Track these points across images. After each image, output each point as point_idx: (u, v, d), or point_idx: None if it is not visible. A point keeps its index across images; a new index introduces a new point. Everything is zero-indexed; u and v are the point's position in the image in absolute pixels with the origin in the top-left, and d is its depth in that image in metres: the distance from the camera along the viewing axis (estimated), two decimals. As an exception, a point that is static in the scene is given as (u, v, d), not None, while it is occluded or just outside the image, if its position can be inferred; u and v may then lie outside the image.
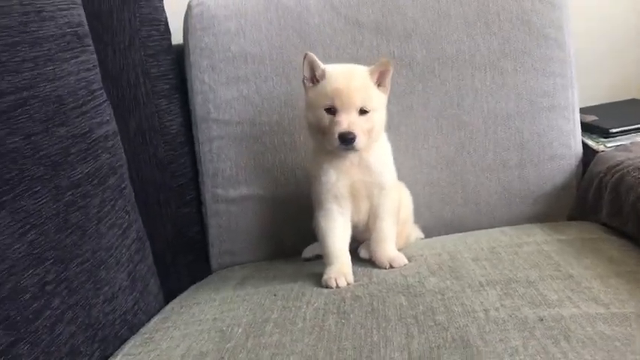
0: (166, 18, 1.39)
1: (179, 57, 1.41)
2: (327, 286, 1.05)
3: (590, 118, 1.47)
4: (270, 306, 1.01)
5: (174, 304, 1.15)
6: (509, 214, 1.34)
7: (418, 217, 1.31)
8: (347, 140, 1.04)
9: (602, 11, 1.67)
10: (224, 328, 0.95)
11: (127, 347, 0.97)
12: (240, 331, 0.93)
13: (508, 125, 1.33)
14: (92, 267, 0.94)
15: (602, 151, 1.32)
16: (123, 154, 1.12)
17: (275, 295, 1.06)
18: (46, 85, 0.90)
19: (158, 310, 1.15)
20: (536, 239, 1.14)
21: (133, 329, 1.05)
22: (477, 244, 1.16)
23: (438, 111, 1.34)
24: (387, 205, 1.14)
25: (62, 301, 0.87)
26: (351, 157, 1.12)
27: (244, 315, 0.99)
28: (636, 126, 1.38)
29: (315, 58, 1.10)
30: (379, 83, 1.11)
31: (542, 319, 0.81)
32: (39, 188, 0.86)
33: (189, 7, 1.39)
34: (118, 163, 1.08)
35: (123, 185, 1.09)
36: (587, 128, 1.42)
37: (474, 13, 1.34)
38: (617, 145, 1.33)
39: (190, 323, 1.00)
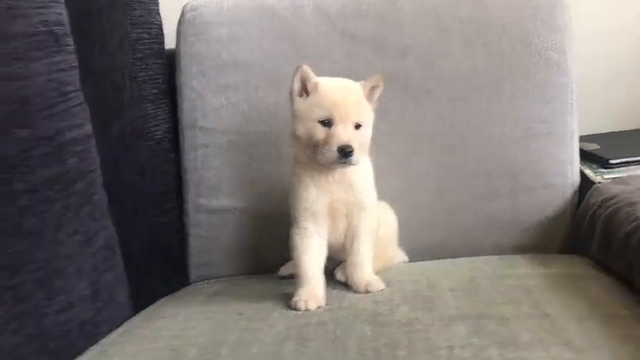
0: (160, 21, 1.36)
1: (172, 62, 1.38)
2: (295, 309, 1.01)
3: (592, 146, 1.40)
4: (232, 326, 0.97)
5: (140, 316, 1.11)
6: (497, 242, 1.28)
7: (402, 240, 1.26)
8: (347, 153, 1.01)
9: (607, 36, 1.59)
10: (178, 348, 0.90)
11: (79, 360, 0.94)
12: (194, 352, 0.88)
13: (502, 151, 1.28)
14: (45, 275, 0.91)
15: (600, 182, 1.26)
16: (96, 158, 1.08)
17: (240, 315, 1.02)
18: (9, 84, 0.87)
19: (125, 322, 1.11)
20: (519, 272, 1.09)
21: (92, 341, 1.01)
22: (458, 272, 1.12)
23: (431, 132, 1.29)
24: (366, 226, 1.10)
25: (7, 310, 0.83)
26: (334, 174, 1.08)
27: (203, 334, 0.95)
28: (638, 158, 1.31)
29: (310, 70, 1.06)
30: (367, 98, 1.08)
31: (506, 362, 0.76)
32: (-10, 190, 0.83)
33: (182, 12, 1.36)
34: (89, 168, 1.04)
35: (92, 191, 1.05)
36: (587, 157, 1.36)
37: (474, 32, 1.30)
38: (615, 178, 1.26)
39: (147, 339, 0.96)
